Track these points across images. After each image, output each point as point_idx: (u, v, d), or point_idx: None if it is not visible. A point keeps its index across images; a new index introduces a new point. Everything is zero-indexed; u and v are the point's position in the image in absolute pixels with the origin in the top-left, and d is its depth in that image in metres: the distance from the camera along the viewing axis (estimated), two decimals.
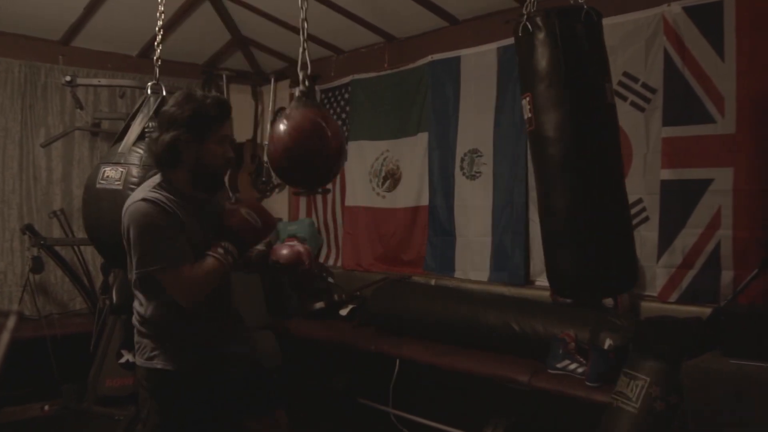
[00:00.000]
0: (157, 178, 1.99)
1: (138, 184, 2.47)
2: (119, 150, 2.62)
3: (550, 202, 2.14)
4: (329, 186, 4.84)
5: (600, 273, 2.10)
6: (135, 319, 2.02)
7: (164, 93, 2.77)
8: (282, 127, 2.18)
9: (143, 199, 1.89)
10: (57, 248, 4.16)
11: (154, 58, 2.83)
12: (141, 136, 2.64)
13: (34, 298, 4.13)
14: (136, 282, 1.95)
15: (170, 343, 1.96)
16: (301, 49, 2.30)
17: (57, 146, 4.44)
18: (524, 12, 2.12)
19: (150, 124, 2.66)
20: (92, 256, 4.50)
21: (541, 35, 2.08)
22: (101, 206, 2.55)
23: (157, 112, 2.70)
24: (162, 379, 1.95)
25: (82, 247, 4.36)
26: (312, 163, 2.17)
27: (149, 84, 2.78)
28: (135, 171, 2.52)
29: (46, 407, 3.74)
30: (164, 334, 1.96)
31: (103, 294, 4.03)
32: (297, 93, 2.27)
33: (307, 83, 2.25)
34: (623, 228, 2.17)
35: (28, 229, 4.04)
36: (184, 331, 1.96)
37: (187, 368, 1.95)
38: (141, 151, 2.57)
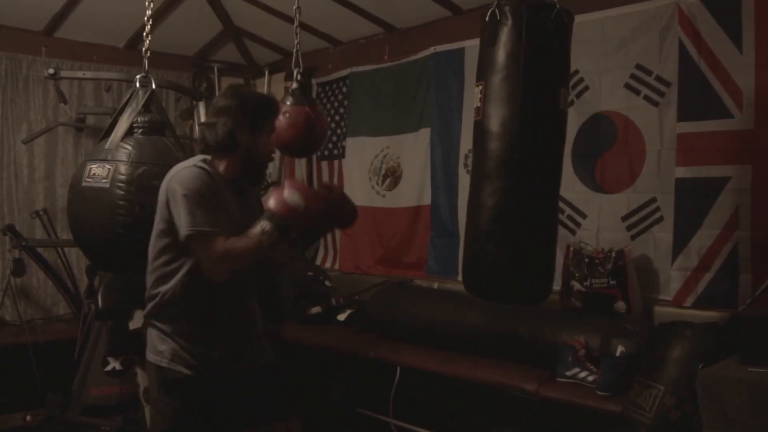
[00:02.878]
0: (200, 157, 2.10)
1: (127, 182, 2.48)
2: (106, 146, 2.62)
3: (481, 197, 2.17)
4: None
5: (515, 278, 2.15)
6: (150, 310, 2.10)
7: (153, 86, 2.77)
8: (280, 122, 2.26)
9: (195, 166, 2.03)
10: (39, 250, 4.16)
11: (143, 49, 2.83)
12: (129, 132, 2.65)
13: (15, 303, 4.13)
14: (166, 261, 2.05)
15: (185, 341, 2.04)
16: (295, 41, 2.35)
17: (39, 142, 4.44)
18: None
19: (138, 119, 2.66)
20: (77, 259, 4.51)
21: (507, 25, 2.10)
22: (87, 206, 2.55)
23: (146, 106, 2.71)
24: (170, 379, 2.04)
25: (66, 249, 4.36)
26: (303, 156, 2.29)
27: (138, 77, 2.78)
28: (123, 168, 2.52)
29: (29, 417, 3.74)
30: (180, 331, 2.04)
31: (88, 298, 4.04)
32: (292, 87, 2.33)
33: (299, 78, 2.40)
34: (548, 238, 2.22)
35: (9, 229, 4.04)
36: (201, 330, 2.05)
37: (198, 370, 2.04)
38: (129, 147, 2.57)
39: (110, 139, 2.64)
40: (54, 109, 4.48)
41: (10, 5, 4.02)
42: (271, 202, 1.98)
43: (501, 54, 2.11)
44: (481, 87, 2.16)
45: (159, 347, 2.06)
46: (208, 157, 2.10)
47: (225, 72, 5.14)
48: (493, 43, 2.12)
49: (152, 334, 2.10)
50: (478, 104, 2.16)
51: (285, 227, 1.97)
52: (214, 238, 1.94)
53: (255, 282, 2.20)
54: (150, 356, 2.09)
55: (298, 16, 2.79)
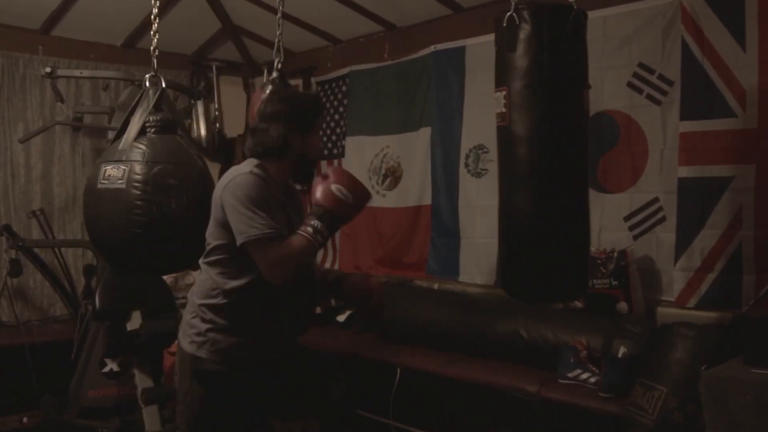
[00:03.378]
0: (253, 162, 2.13)
1: (142, 182, 2.49)
2: (120, 147, 2.63)
3: (515, 202, 2.19)
4: None
5: (554, 280, 2.18)
6: (194, 300, 2.15)
7: (163, 85, 2.78)
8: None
9: (251, 173, 2.06)
10: (36, 250, 4.16)
11: (151, 48, 2.85)
12: (142, 132, 2.66)
13: (12, 304, 4.13)
14: (220, 259, 2.11)
15: (225, 336, 2.10)
16: (277, 32, 2.41)
17: (36, 142, 4.44)
18: (513, 2, 2.14)
19: (151, 118, 2.67)
20: (73, 259, 4.51)
21: (526, 30, 2.10)
22: (104, 207, 2.55)
23: (157, 105, 2.73)
24: (204, 370, 2.11)
25: (63, 249, 4.36)
26: None
27: (147, 76, 2.79)
28: (138, 168, 2.53)
29: (25, 419, 3.74)
30: (223, 326, 2.10)
31: (86, 299, 4.04)
32: (272, 76, 2.38)
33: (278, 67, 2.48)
34: (583, 239, 2.24)
35: (6, 229, 4.04)
36: (245, 328, 2.12)
37: (233, 365, 2.11)
38: (143, 147, 2.58)
39: (123, 139, 2.65)
40: (51, 108, 4.47)
41: (6, 3, 4.01)
42: (319, 195, 1.98)
43: (523, 60, 2.10)
44: (504, 92, 2.15)
45: (197, 339, 2.12)
46: (260, 162, 2.13)
47: (223, 71, 5.14)
48: (513, 48, 2.11)
49: (193, 323, 2.15)
50: (503, 110, 2.15)
51: (336, 222, 1.99)
52: (270, 242, 1.98)
53: (301, 283, 2.21)
54: (185, 345, 2.15)
55: (281, 8, 2.83)
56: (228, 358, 2.11)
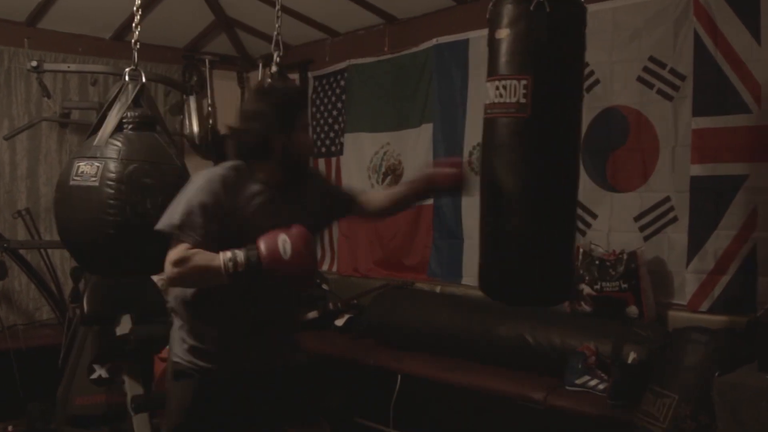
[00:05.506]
0: (233, 162, 2.10)
1: (117, 180, 2.48)
2: (95, 143, 2.62)
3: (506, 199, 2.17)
4: None
5: (538, 280, 2.16)
6: (170, 302, 2.16)
7: (144, 79, 2.77)
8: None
9: (219, 169, 2.06)
10: (22, 252, 4.17)
11: (132, 41, 2.83)
12: (119, 128, 2.64)
13: None
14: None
15: (199, 341, 2.08)
16: (276, 24, 2.38)
17: (22, 139, 4.44)
18: None
19: (128, 114, 2.66)
20: (61, 261, 4.51)
21: (555, 16, 2.08)
22: (75, 205, 2.55)
23: (136, 100, 2.72)
24: (180, 372, 2.09)
25: (49, 251, 4.36)
26: None
27: (127, 70, 2.78)
28: (113, 166, 2.52)
29: (10, 428, 3.74)
30: (195, 330, 2.09)
31: (73, 302, 4.03)
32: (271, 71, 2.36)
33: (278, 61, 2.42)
34: (570, 240, 2.26)
35: None
36: (219, 332, 2.09)
37: (211, 369, 2.08)
38: (119, 144, 2.57)
39: (99, 135, 2.63)
40: (37, 103, 4.48)
41: None
42: (265, 238, 1.94)
43: (554, 46, 2.09)
44: (526, 81, 2.11)
45: (175, 343, 2.13)
46: (242, 164, 2.09)
47: (217, 65, 5.14)
48: (540, 34, 2.09)
49: (173, 329, 2.16)
50: (523, 100, 2.11)
51: (258, 267, 1.91)
52: (177, 241, 1.95)
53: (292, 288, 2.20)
54: (171, 351, 2.16)
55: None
56: (204, 363, 2.08)
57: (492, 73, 2.17)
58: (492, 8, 2.18)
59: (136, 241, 2.46)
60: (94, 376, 3.72)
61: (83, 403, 3.70)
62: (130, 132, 2.65)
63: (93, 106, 4.52)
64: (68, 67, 4.32)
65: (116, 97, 2.73)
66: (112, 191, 2.48)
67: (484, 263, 2.27)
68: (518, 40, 2.13)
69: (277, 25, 2.89)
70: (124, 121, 2.66)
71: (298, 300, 2.25)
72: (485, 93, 2.21)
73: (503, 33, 2.15)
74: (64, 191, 2.60)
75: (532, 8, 2.05)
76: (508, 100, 2.12)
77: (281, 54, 2.85)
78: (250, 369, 2.13)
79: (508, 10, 2.14)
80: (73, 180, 2.55)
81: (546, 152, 2.11)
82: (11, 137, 4.33)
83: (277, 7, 2.52)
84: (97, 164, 2.53)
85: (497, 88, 2.14)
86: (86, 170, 2.54)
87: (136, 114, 2.68)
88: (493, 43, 2.18)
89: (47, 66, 4.08)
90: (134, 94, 2.71)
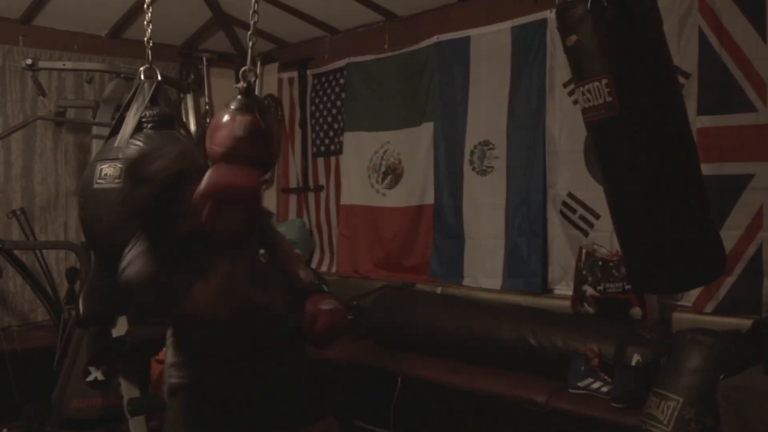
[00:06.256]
0: None
1: None
2: (115, 144, 2.64)
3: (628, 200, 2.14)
4: (322, 183, 4.86)
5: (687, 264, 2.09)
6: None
7: (159, 77, 2.79)
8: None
9: None
10: (16, 252, 4.16)
11: (145, 39, 2.84)
12: (138, 127, 2.66)
13: None
14: None
15: (181, 354, 2.07)
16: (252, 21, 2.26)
17: (16, 138, 4.44)
18: None
19: (146, 113, 2.68)
20: (56, 262, 4.51)
21: (628, 8, 2.06)
22: (100, 209, 2.55)
23: (152, 99, 2.73)
24: (169, 387, 2.08)
25: (45, 252, 4.36)
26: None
27: (141, 69, 2.80)
28: None
29: (5, 430, 3.74)
30: (175, 343, 2.09)
31: (69, 304, 4.04)
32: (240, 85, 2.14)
33: (252, 78, 2.20)
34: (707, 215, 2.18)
35: None
36: (195, 345, 2.08)
37: (194, 381, 2.06)
38: (140, 143, 2.58)
39: (119, 136, 2.65)
40: (32, 102, 4.48)
41: None
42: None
43: (632, 41, 2.07)
44: (606, 80, 2.09)
45: (168, 353, 2.13)
46: None
47: (214, 63, 5.15)
48: (616, 30, 2.07)
49: (167, 334, 2.16)
50: (609, 99, 2.09)
51: None
52: None
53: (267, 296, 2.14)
54: (166, 359, 2.16)
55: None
56: (186, 376, 2.07)
57: (576, 80, 2.17)
58: (557, 15, 2.17)
59: None
60: (90, 378, 3.72)
61: (79, 405, 3.70)
62: (149, 131, 2.66)
63: (89, 104, 4.53)
64: (63, 65, 4.33)
65: (133, 97, 2.75)
66: None
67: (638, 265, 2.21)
68: (586, 42, 2.10)
69: (252, 23, 2.64)
70: (143, 120, 2.68)
71: (281, 299, 2.18)
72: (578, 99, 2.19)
73: (572, 39, 2.14)
74: (88, 195, 2.62)
75: (589, 7, 2.04)
76: (596, 103, 2.10)
77: (259, 66, 2.68)
78: (238, 377, 2.08)
79: (570, 16, 2.13)
80: (97, 183, 2.57)
81: (645, 141, 2.06)
82: (6, 136, 4.33)
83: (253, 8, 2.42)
84: (120, 165, 2.55)
85: (583, 93, 2.13)
86: (109, 172, 2.56)
87: (155, 112, 2.70)
88: (567, 51, 2.17)
89: (42, 64, 4.10)
90: (151, 92, 2.73)
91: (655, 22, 2.12)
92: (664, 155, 2.06)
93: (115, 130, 2.71)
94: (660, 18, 2.12)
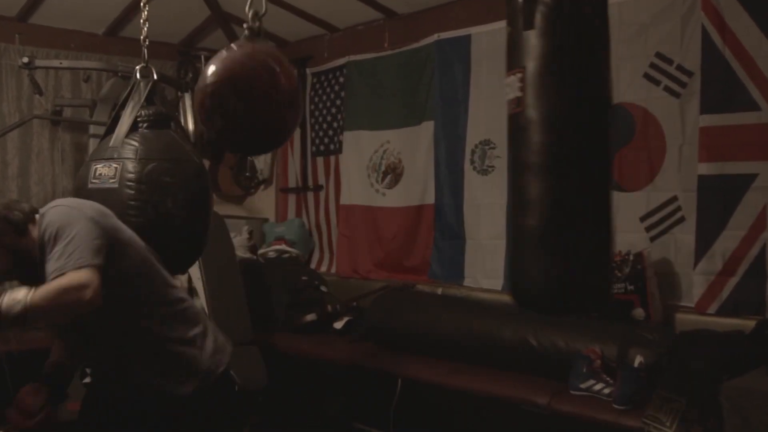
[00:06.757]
0: None
1: (136, 180, 2.48)
2: (110, 144, 2.63)
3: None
4: (321, 182, 4.86)
5: (572, 289, 2.08)
6: None
7: (155, 76, 2.78)
8: (214, 65, 2.12)
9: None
10: None
11: (141, 37, 2.84)
12: (134, 127, 2.66)
13: None
14: None
15: None
16: None
17: (13, 137, 4.43)
18: None
19: (142, 113, 2.67)
20: None
21: (544, 8, 2.06)
22: None
23: (148, 98, 2.73)
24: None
25: None
26: (255, 112, 2.10)
27: (137, 67, 2.79)
28: (131, 166, 2.53)
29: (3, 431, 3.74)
30: None
31: None
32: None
33: (258, 21, 2.18)
34: (605, 240, 2.13)
35: None
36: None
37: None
38: (136, 143, 2.58)
39: (114, 135, 2.65)
40: (28, 100, 4.47)
41: None
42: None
43: (543, 37, 2.06)
44: (519, 75, 2.08)
45: None
46: None
47: None
48: (530, 26, 2.06)
49: None
50: (518, 94, 2.08)
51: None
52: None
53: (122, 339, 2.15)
54: None
55: None
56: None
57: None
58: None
59: (159, 240, 2.48)
60: (87, 381, 3.72)
61: (75, 408, 3.70)
62: (145, 131, 2.66)
63: (86, 103, 4.53)
64: (60, 63, 4.33)
65: (128, 96, 2.74)
66: (132, 192, 2.48)
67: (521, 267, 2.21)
68: (513, 34, 2.07)
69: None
70: (139, 120, 2.67)
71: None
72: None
73: (507, 30, 2.13)
74: (83, 195, 2.60)
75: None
76: (511, 96, 2.11)
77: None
78: (111, 393, 2.20)
79: (508, 8, 2.12)
80: (92, 183, 2.56)
81: (544, 143, 2.02)
82: (2, 135, 4.32)
83: None
84: (115, 165, 2.54)
85: (507, 84, 2.13)
86: (104, 172, 2.55)
87: (151, 112, 2.69)
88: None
89: (39, 62, 4.09)
90: (147, 92, 2.72)
91: (581, 24, 2.03)
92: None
93: (110, 130, 2.70)
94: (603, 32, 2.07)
